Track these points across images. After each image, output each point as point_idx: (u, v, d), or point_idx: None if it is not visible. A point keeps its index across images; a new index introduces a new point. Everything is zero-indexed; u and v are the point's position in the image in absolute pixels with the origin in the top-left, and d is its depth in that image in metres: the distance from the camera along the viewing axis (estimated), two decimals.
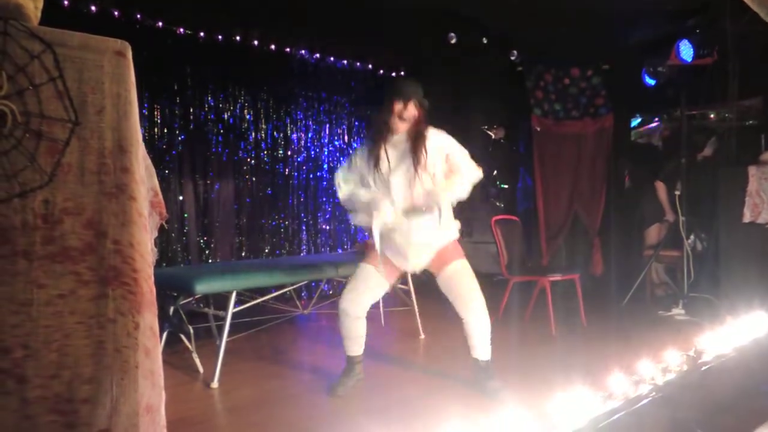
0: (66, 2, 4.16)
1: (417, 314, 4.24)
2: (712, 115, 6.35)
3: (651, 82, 5.41)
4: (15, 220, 1.34)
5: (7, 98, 1.34)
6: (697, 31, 4.98)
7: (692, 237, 5.20)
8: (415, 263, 2.92)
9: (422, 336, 4.21)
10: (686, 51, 4.88)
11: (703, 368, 2.72)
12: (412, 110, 2.80)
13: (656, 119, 6.70)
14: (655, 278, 5.61)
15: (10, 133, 1.35)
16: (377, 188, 2.89)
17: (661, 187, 5.44)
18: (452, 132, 2.96)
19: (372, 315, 4.59)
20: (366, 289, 2.95)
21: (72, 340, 1.38)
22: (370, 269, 2.95)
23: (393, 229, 2.83)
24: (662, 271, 5.65)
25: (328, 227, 6.06)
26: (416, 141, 2.82)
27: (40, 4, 1.51)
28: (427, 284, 6.20)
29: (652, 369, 2.54)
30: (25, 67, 1.36)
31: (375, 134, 2.91)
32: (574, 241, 6.42)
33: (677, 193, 5.18)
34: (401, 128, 2.84)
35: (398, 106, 2.78)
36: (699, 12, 5.03)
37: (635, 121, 6.94)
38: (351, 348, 3.03)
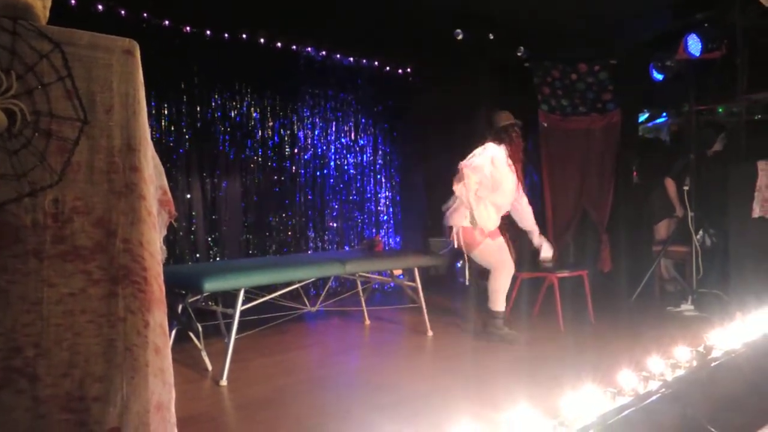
0: (73, 1, 4.17)
1: (425, 311, 4.24)
2: (721, 110, 6.30)
3: (659, 77, 5.37)
4: (25, 220, 1.34)
5: (17, 98, 1.34)
6: (706, 24, 4.94)
7: (701, 233, 5.17)
8: None
9: (430, 333, 4.20)
10: (694, 45, 4.84)
11: (713, 364, 2.70)
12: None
13: (664, 114, 6.66)
14: (665, 274, 5.58)
15: (20, 132, 1.35)
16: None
17: (670, 184, 5.40)
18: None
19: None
20: None
21: (83, 339, 1.39)
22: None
23: None
24: (671, 267, 5.62)
25: (335, 224, 6.06)
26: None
27: (49, 4, 1.51)
28: (435, 281, 6.22)
29: (662, 365, 2.52)
30: (34, 67, 1.36)
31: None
32: (582, 237, 6.39)
33: (686, 188, 5.15)
34: None
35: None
36: (707, 5, 4.99)
37: (643, 117, 6.90)
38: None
